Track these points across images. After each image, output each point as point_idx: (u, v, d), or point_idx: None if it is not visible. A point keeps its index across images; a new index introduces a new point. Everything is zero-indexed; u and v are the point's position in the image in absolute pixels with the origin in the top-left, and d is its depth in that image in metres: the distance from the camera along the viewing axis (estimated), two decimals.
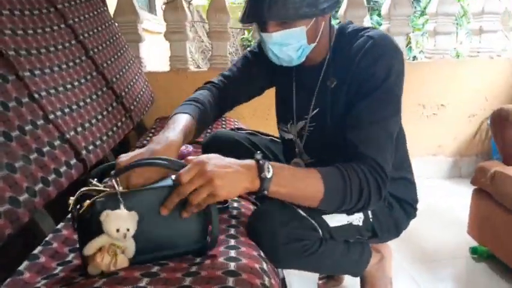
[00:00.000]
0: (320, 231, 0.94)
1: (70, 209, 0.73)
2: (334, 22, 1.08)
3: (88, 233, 0.72)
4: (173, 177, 0.78)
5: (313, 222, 0.92)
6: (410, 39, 5.34)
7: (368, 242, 1.11)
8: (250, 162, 0.78)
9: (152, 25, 4.34)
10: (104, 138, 1.31)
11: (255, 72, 1.17)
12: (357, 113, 0.91)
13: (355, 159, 0.86)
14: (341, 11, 2.42)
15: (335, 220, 0.96)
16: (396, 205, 1.09)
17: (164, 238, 0.77)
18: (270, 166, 0.77)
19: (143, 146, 1.63)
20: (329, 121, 1.00)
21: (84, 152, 1.16)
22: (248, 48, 1.24)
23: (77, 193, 0.74)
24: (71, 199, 0.74)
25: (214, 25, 2.32)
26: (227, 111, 1.20)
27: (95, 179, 0.79)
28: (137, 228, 0.72)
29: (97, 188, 0.75)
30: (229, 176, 0.73)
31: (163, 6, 2.31)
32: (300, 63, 1.01)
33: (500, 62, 2.47)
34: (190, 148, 1.49)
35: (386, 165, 0.87)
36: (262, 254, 0.85)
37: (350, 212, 0.93)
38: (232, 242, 0.84)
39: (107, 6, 1.93)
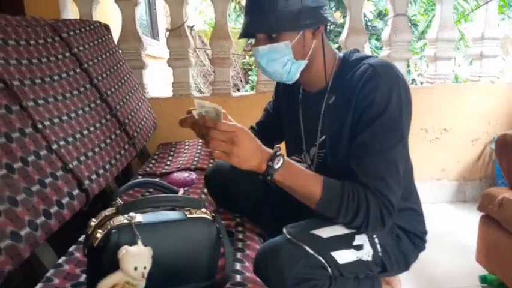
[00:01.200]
0: (329, 269, 0.91)
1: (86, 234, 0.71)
2: (334, 47, 1.12)
3: (100, 266, 0.69)
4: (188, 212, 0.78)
5: (322, 260, 0.89)
6: (408, 62, 5.39)
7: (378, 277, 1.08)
8: (268, 150, 0.88)
9: (154, 50, 4.39)
10: (107, 166, 1.30)
11: (277, 106, 1.26)
12: (360, 142, 0.93)
13: (360, 186, 0.90)
14: (342, 37, 2.45)
15: (344, 257, 0.93)
16: (404, 237, 1.06)
17: (174, 273, 0.75)
18: (281, 159, 0.87)
19: (146, 173, 1.63)
20: (336, 148, 1.01)
21: (87, 181, 1.14)
22: None
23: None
24: (93, 222, 0.73)
25: (216, 52, 2.34)
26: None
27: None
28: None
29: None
30: (246, 150, 0.84)
31: (167, 34, 2.34)
32: (305, 91, 1.08)
33: (501, 86, 2.47)
34: (194, 176, 1.47)
35: (390, 194, 0.89)
36: None
37: (348, 226, 0.93)
38: (238, 278, 0.81)
39: (111, 34, 1.95)
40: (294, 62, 0.98)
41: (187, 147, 1.97)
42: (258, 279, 0.84)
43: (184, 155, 1.83)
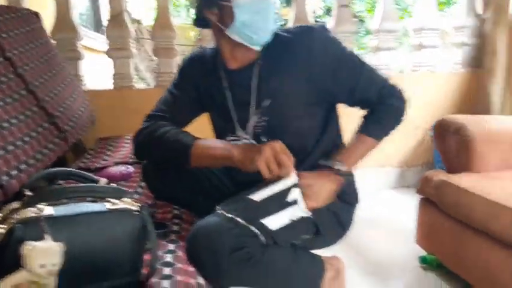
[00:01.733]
0: (263, 237, 0.90)
1: None
2: None
3: (3, 264, 0.62)
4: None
5: (252, 228, 0.88)
6: None
7: (314, 245, 1.08)
8: (329, 173, 1.06)
9: (98, 44, 4.20)
10: (31, 161, 1.20)
11: (187, 90, 1.18)
12: (352, 83, 1.08)
13: (380, 100, 1.14)
14: (329, 27, 2.45)
15: (276, 222, 0.92)
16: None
17: (93, 269, 0.69)
18: (339, 162, 1.07)
19: (80, 168, 1.53)
20: (288, 109, 1.08)
21: (5, 177, 1.04)
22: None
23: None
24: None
25: (159, 42, 2.25)
26: None
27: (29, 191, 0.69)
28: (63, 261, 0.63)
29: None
30: (326, 190, 1.04)
31: (106, 23, 2.22)
32: (229, 69, 1.11)
33: (440, 76, 2.58)
34: (131, 169, 1.40)
35: (397, 87, 1.19)
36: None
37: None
38: (167, 270, 0.77)
39: (41, 22, 1.82)
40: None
41: (127, 141, 1.88)
42: (190, 269, 0.80)
43: (124, 149, 1.74)
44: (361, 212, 1.26)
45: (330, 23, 2.52)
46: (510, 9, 2.34)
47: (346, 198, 1.14)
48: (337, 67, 1.06)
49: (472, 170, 1.53)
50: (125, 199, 0.72)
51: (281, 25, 1.12)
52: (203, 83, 1.17)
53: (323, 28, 1.08)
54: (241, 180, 1.09)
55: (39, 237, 0.62)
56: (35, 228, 0.62)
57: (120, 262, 0.71)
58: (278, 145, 0.93)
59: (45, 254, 0.60)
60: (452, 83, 2.58)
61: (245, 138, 1.12)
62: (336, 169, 1.05)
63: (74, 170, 0.82)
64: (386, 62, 2.53)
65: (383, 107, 1.13)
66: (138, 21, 5.40)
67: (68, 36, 2.16)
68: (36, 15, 1.82)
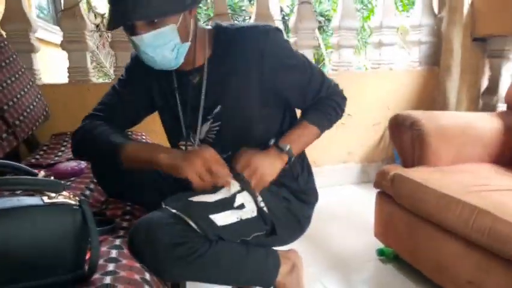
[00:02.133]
0: (207, 233, 0.88)
1: None
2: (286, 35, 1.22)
3: None
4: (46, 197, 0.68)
5: (192, 224, 0.86)
6: (323, 56, 5.61)
7: (270, 243, 1.08)
8: (270, 149, 1.04)
9: (58, 38, 4.04)
10: None
11: (135, 90, 1.12)
12: (304, 85, 1.09)
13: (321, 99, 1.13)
14: (291, 23, 2.48)
15: (224, 219, 0.90)
16: (292, 198, 1.11)
17: (29, 266, 0.65)
18: (283, 143, 1.04)
19: (30, 164, 1.46)
20: (241, 112, 1.05)
21: None
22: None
23: None
24: None
25: (117, 35, 2.19)
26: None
27: None
28: None
29: None
30: (266, 163, 1.00)
31: (59, 14, 2.13)
32: (180, 71, 1.04)
33: (399, 73, 2.65)
34: (83, 165, 1.35)
35: (337, 86, 1.18)
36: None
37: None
38: (111, 266, 0.74)
39: None
40: (180, 46, 0.95)
41: None
42: (135, 264, 0.77)
43: None
44: (322, 207, 1.27)
45: (292, 19, 2.53)
46: (464, 9, 2.43)
47: (305, 198, 1.13)
48: (288, 70, 1.06)
49: (426, 164, 1.58)
50: (64, 193, 0.69)
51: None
52: (154, 82, 1.11)
53: (276, 30, 1.05)
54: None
55: None
56: None
57: (61, 258, 0.67)
58: (209, 154, 0.90)
59: None
60: (410, 80, 2.65)
61: (190, 145, 1.10)
62: (279, 147, 1.03)
63: (7, 162, 0.78)
64: (348, 59, 2.57)
65: (327, 100, 1.13)
66: (102, 15, 5.24)
67: (20, 27, 2.05)
68: None
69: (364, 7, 5.94)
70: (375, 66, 2.68)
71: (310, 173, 1.20)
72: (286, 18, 5.97)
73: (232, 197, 0.93)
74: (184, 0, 0.91)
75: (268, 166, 1.00)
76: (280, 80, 1.05)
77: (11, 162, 0.79)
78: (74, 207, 0.68)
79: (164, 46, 0.92)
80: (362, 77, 2.64)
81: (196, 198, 0.90)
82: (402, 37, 2.80)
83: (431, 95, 2.67)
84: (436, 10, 2.68)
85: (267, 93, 1.05)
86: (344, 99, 1.18)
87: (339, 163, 2.61)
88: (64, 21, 2.11)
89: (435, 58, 2.69)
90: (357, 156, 2.65)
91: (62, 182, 0.70)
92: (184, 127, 1.11)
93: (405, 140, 1.64)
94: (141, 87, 1.11)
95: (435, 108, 2.63)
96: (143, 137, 1.84)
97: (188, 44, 0.97)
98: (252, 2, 6.08)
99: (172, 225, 0.84)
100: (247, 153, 1.02)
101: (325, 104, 1.12)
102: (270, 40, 1.01)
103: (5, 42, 1.76)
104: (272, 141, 1.05)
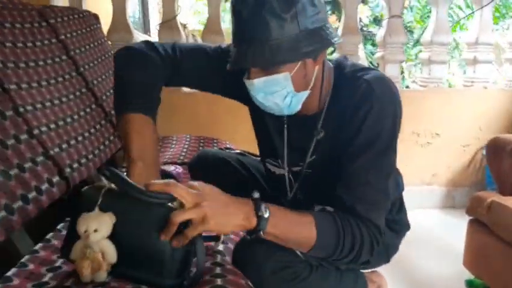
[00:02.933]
0: (309, 259, 0.90)
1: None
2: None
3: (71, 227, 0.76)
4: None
5: (298, 252, 0.88)
6: (403, 69, 5.42)
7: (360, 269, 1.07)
8: (247, 200, 0.77)
9: None
10: (90, 156, 1.26)
11: (225, 79, 0.98)
12: (350, 170, 0.87)
13: (350, 215, 0.85)
14: (379, 37, 2.45)
15: None
16: (385, 228, 1.04)
17: (142, 256, 0.72)
18: (266, 206, 0.77)
19: None
20: (327, 170, 0.94)
21: (68, 169, 1.10)
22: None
23: None
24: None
25: None
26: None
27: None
28: (114, 232, 0.71)
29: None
30: (223, 214, 0.73)
31: (158, 26, 2.30)
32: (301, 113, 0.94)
33: (493, 93, 2.48)
34: (180, 169, 1.44)
35: (380, 223, 0.87)
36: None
37: (337, 262, 0.91)
38: (218, 269, 0.78)
39: (100, 24, 1.91)
40: (294, 95, 0.86)
41: (174, 141, 1.93)
42: (238, 271, 0.81)
43: (171, 149, 1.79)
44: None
45: (380, 33, 2.49)
46: None
47: (396, 228, 1.08)
48: (356, 150, 0.87)
49: None
50: None
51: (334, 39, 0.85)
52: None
53: (391, 102, 0.87)
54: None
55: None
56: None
57: (170, 260, 0.72)
58: None
59: (88, 220, 0.70)
60: (505, 101, 2.46)
61: (282, 168, 1.04)
62: (259, 213, 0.75)
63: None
64: (438, 75, 2.46)
65: (357, 227, 0.84)
66: (184, 26, 5.55)
67: (124, 37, 2.25)
68: (95, 17, 1.91)
69: (450, 19, 5.66)
70: (468, 84, 2.53)
71: (402, 203, 1.13)
72: (364, 29, 5.88)
73: None
74: (300, 49, 0.80)
75: (224, 219, 0.73)
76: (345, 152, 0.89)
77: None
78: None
79: (276, 93, 0.85)
80: (452, 95, 2.50)
81: None
82: (496, 55, 2.61)
83: None
84: None
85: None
86: (372, 246, 0.85)
87: (422, 185, 2.49)
88: (162, 32, 2.28)
89: None
90: (443, 178, 2.51)
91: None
92: (284, 157, 1.03)
93: (504, 166, 1.53)
94: (233, 83, 0.95)
95: None
96: (227, 145, 1.92)
97: (306, 92, 0.89)
98: (328, 12, 6.05)
99: (277, 251, 0.85)
100: (226, 200, 0.76)
101: (350, 232, 0.83)
102: (362, 107, 0.86)
103: (112, 51, 1.94)
104: (256, 193, 0.78)
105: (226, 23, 6.26)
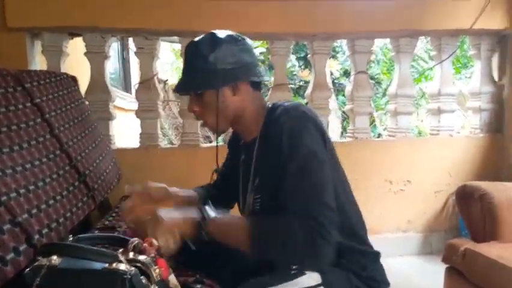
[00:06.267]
0: None
1: None
2: (302, 101, 1.18)
3: None
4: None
5: None
6: (374, 118, 5.63)
7: None
8: (193, 211, 0.99)
9: (126, 103, 4.41)
10: (61, 220, 1.24)
11: (231, 164, 1.28)
12: (286, 179, 0.96)
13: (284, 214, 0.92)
14: (307, 92, 2.55)
15: None
16: (361, 285, 1.03)
17: None
18: (209, 215, 0.97)
19: (105, 226, 1.56)
20: (269, 191, 1.04)
21: (37, 236, 1.08)
22: None
23: None
24: None
25: (185, 103, 2.36)
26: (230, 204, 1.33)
27: None
28: None
29: None
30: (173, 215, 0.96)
31: (136, 86, 2.36)
32: (244, 141, 1.17)
33: (459, 140, 2.60)
34: None
35: (319, 216, 0.88)
36: None
37: (286, 262, 0.96)
38: None
39: (78, 85, 1.95)
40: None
41: None
42: None
43: None
44: None
45: (348, 88, 2.61)
46: None
47: (375, 285, 1.07)
48: (286, 159, 0.97)
49: (498, 239, 1.50)
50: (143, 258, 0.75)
51: (299, 86, 1.14)
52: (233, 148, 1.28)
53: (299, 118, 1.01)
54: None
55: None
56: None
57: None
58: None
59: None
60: (472, 147, 2.58)
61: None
62: (201, 216, 0.97)
63: (112, 235, 0.87)
64: (405, 125, 2.57)
65: (289, 226, 0.89)
66: (165, 82, 5.67)
67: (101, 97, 2.29)
68: (73, 79, 1.95)
69: (415, 70, 5.99)
70: (434, 133, 2.65)
71: (377, 259, 1.12)
72: (336, 81, 6.14)
73: None
74: (214, 80, 1.04)
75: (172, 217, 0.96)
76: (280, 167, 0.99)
77: (115, 235, 0.88)
78: (125, 276, 0.72)
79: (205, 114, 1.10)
80: (420, 143, 2.61)
81: None
82: (460, 102, 2.77)
83: (495, 162, 2.57)
84: (495, 77, 2.65)
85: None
86: (312, 243, 0.86)
87: (398, 232, 2.52)
88: (140, 92, 2.33)
89: (498, 125, 2.62)
90: (418, 224, 2.55)
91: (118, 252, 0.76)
92: (241, 197, 1.19)
93: (474, 213, 1.57)
94: (233, 160, 1.24)
95: (500, 177, 2.52)
96: None
97: (228, 116, 1.09)
98: (301, 67, 6.32)
99: None
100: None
101: (285, 226, 0.89)
102: (280, 125, 1.00)
103: (89, 112, 1.96)
104: (205, 206, 1.00)
105: None
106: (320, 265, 0.95)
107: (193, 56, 1.06)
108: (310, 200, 0.90)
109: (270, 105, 1.13)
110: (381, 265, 1.12)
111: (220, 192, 1.30)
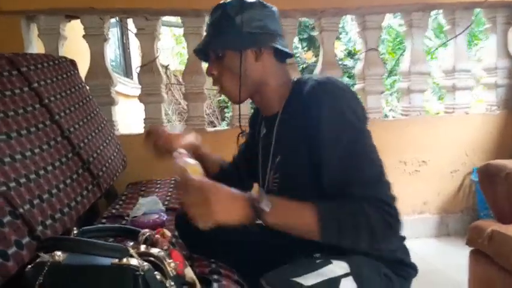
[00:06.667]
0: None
1: None
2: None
3: None
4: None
5: None
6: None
7: None
8: (249, 193, 0.82)
9: (128, 89, 4.31)
10: (66, 210, 1.17)
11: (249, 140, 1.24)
12: (331, 165, 0.88)
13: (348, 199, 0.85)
14: (316, 71, 2.45)
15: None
16: (393, 275, 0.96)
17: None
18: (266, 198, 0.81)
19: (112, 215, 1.49)
20: (290, 169, 0.98)
21: (40, 227, 1.01)
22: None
23: None
24: None
25: (190, 87, 2.28)
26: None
27: None
28: None
29: None
30: (224, 203, 0.79)
31: (138, 69, 2.27)
32: (264, 116, 1.10)
33: (475, 118, 2.50)
34: (165, 217, 1.35)
35: (382, 196, 0.84)
36: None
37: (362, 247, 0.87)
38: None
39: (77, 69, 1.86)
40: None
41: (158, 185, 1.85)
42: None
43: (155, 194, 1.70)
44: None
45: (358, 66, 2.51)
46: None
47: (404, 274, 1.00)
48: (326, 139, 0.89)
49: None
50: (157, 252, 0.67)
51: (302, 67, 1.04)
52: (253, 125, 1.22)
53: (337, 91, 0.92)
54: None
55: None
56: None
57: None
58: None
59: None
60: (488, 125, 2.49)
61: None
62: (259, 206, 0.80)
63: (118, 226, 0.79)
64: (419, 103, 2.48)
65: (361, 209, 0.82)
66: (166, 67, 5.56)
67: (103, 82, 2.20)
68: (72, 63, 1.86)
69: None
70: (449, 111, 2.55)
71: (402, 240, 1.06)
72: (339, 62, 6.02)
73: (338, 280, 0.85)
74: (238, 42, 0.98)
75: (226, 208, 0.80)
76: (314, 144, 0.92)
77: (122, 226, 0.80)
78: (137, 272, 0.64)
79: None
80: (435, 122, 2.51)
81: (298, 279, 0.83)
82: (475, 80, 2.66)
83: None
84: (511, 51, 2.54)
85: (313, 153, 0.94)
86: (386, 224, 0.82)
87: (414, 214, 2.44)
88: (142, 76, 2.23)
89: None
90: (434, 206, 2.47)
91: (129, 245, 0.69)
92: (261, 175, 1.11)
93: (499, 193, 1.49)
94: (254, 139, 1.19)
95: None
96: None
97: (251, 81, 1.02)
98: (304, 49, 6.19)
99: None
100: (211, 191, 0.79)
101: (352, 207, 0.83)
102: (315, 101, 0.91)
103: (90, 97, 1.88)
104: (257, 189, 0.83)
105: None
106: (393, 245, 0.94)
107: (219, 16, 1.01)
108: (372, 180, 0.86)
109: (295, 79, 1.05)
110: (407, 248, 1.06)
111: (239, 171, 1.26)
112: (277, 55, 1.03)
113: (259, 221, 0.83)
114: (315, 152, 0.90)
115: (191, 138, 1.24)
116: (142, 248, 0.70)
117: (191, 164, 0.91)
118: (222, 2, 1.03)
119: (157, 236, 0.75)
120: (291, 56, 1.07)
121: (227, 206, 0.79)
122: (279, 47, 1.01)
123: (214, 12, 1.04)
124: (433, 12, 2.72)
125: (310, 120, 0.91)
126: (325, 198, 0.86)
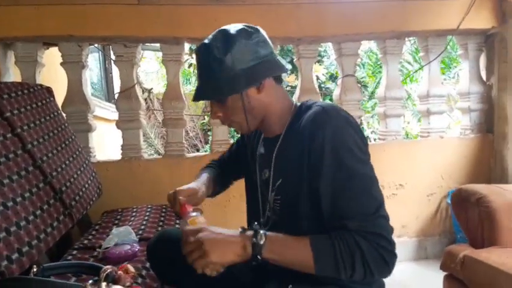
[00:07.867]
0: None
1: None
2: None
3: None
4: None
5: None
6: (361, 121, 5.60)
7: None
8: (246, 233, 0.87)
9: (109, 113, 4.29)
10: (34, 242, 1.14)
11: (240, 152, 1.27)
12: (330, 194, 0.88)
13: (344, 232, 0.85)
14: (295, 96, 2.49)
15: None
16: None
17: None
18: (263, 233, 0.85)
19: (84, 245, 1.46)
20: (291, 191, 0.97)
21: (5, 262, 0.98)
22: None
23: None
24: None
25: (169, 112, 2.28)
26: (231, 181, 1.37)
27: None
28: None
29: None
30: (219, 242, 0.85)
31: (116, 95, 2.27)
32: (264, 137, 1.10)
33: (450, 141, 2.56)
34: (137, 247, 1.33)
35: (379, 230, 0.84)
36: None
37: (358, 279, 0.86)
38: None
39: (53, 97, 1.85)
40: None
41: (134, 214, 1.82)
42: None
43: (130, 223, 1.68)
44: None
45: (336, 91, 2.56)
46: None
47: None
48: (327, 165, 0.89)
49: (497, 244, 1.45)
50: None
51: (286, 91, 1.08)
52: (249, 142, 1.20)
53: (341, 120, 0.91)
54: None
55: None
56: None
57: None
58: None
59: None
60: (463, 149, 2.55)
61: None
62: (254, 240, 0.84)
63: (82, 262, 0.77)
64: (395, 128, 2.53)
65: (353, 239, 0.83)
66: (149, 90, 5.57)
67: (79, 108, 2.19)
68: (48, 90, 1.85)
69: (400, 72, 5.98)
70: (424, 135, 2.61)
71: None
72: (322, 86, 6.11)
73: None
74: (235, 84, 0.95)
75: (220, 248, 0.84)
76: (315, 172, 0.91)
77: (85, 262, 0.78)
78: None
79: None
80: (411, 146, 2.56)
81: None
82: (449, 104, 2.74)
83: (487, 163, 2.53)
84: (483, 77, 2.63)
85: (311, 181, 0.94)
86: (382, 259, 0.83)
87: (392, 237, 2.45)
88: (120, 102, 2.24)
89: (488, 125, 2.59)
90: (412, 229, 2.49)
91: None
92: (260, 195, 1.10)
93: (471, 218, 1.52)
94: (241, 150, 1.25)
95: (492, 178, 2.49)
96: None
97: (258, 115, 1.02)
98: (288, 73, 6.29)
99: None
100: (203, 234, 0.86)
101: (345, 244, 0.83)
102: (317, 126, 0.90)
103: (66, 124, 1.86)
104: (255, 226, 0.87)
105: (190, 85, 6.38)
106: (389, 275, 0.91)
107: (207, 60, 0.96)
108: (368, 213, 0.85)
109: (298, 103, 1.06)
110: (384, 282, 1.06)
111: (224, 170, 1.33)
112: (277, 78, 1.03)
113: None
114: (315, 178, 0.90)
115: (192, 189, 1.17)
116: (103, 286, 0.69)
117: (191, 216, 0.96)
118: (205, 41, 0.98)
119: (119, 272, 0.74)
120: (287, 71, 1.05)
121: (223, 251, 0.84)
122: (278, 72, 1.00)
123: (200, 55, 0.99)
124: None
125: (312, 147, 0.90)
126: (324, 221, 0.89)
